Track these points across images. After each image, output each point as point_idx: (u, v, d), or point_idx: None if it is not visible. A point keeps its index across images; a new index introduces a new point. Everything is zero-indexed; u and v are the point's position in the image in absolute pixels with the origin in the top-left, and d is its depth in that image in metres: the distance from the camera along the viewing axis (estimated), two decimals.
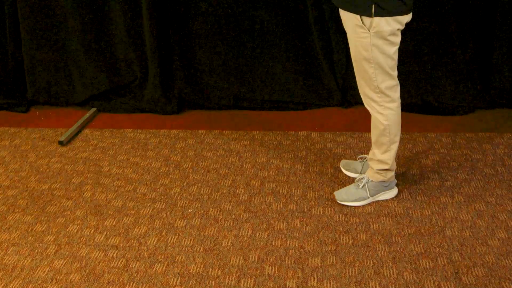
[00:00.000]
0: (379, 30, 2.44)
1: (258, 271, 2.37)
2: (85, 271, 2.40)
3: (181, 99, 3.88)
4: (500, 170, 3.01)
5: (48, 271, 2.41)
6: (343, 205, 2.76)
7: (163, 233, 2.62)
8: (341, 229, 2.61)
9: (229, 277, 2.34)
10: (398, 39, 2.52)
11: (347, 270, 2.35)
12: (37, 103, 3.97)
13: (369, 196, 2.76)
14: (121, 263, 2.44)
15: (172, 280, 2.34)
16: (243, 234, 2.60)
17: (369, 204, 2.76)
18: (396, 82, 2.60)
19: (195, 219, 2.71)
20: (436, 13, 3.57)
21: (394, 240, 2.52)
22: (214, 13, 3.68)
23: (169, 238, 2.58)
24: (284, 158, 3.20)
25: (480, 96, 3.70)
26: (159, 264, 2.43)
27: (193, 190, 2.94)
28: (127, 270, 2.40)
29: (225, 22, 3.70)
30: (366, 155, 3.00)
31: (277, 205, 2.79)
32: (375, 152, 2.74)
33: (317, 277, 2.32)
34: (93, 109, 3.85)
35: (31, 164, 3.24)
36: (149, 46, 3.74)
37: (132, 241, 2.57)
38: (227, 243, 2.54)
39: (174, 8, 3.71)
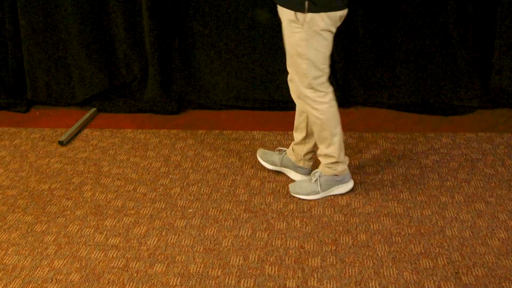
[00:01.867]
0: (312, 25, 2.46)
1: (258, 271, 2.37)
2: (85, 271, 2.40)
3: (181, 99, 3.88)
4: (500, 170, 3.01)
5: (48, 271, 2.41)
6: (300, 199, 2.82)
7: (163, 233, 2.62)
8: (341, 229, 2.61)
9: (229, 277, 2.34)
10: (330, 35, 2.54)
11: (347, 270, 2.35)
12: (37, 103, 3.97)
13: (320, 190, 2.79)
14: (121, 263, 2.44)
15: (172, 280, 2.34)
16: (243, 234, 2.60)
17: (369, 204, 2.76)
18: (326, 78, 2.62)
19: (195, 219, 2.71)
20: (436, 13, 3.57)
21: (394, 240, 2.52)
22: (214, 13, 3.68)
23: (169, 238, 2.58)
24: None
25: (480, 96, 3.70)
26: (159, 264, 2.43)
27: (193, 190, 2.94)
28: (127, 270, 2.40)
29: (225, 22, 3.70)
30: (285, 148, 3.04)
31: (277, 205, 2.79)
32: (320, 147, 2.77)
33: (317, 277, 2.32)
34: (93, 109, 3.85)
35: (31, 164, 3.24)
36: (149, 46, 3.74)
37: (132, 241, 2.57)
38: (227, 243, 2.54)
39: (174, 8, 3.71)
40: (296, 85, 2.65)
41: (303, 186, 2.83)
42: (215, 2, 3.65)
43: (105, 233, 2.64)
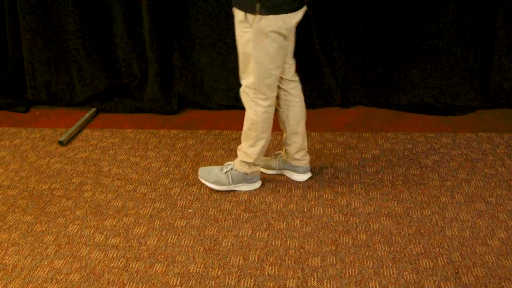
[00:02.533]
0: (261, 27, 2.49)
1: (258, 271, 2.37)
2: (85, 271, 2.40)
3: (181, 99, 3.88)
4: (500, 170, 3.01)
5: (48, 271, 2.41)
6: (202, 182, 2.90)
7: (163, 233, 2.62)
8: (341, 229, 2.61)
9: (229, 277, 2.34)
10: (281, 38, 2.55)
11: (347, 270, 2.35)
12: (37, 103, 3.97)
13: (229, 183, 2.85)
14: (121, 263, 2.44)
15: (172, 280, 2.34)
16: (243, 234, 2.60)
17: (369, 204, 2.76)
18: (274, 81, 2.65)
19: (195, 219, 2.71)
20: (436, 13, 3.57)
21: (394, 240, 2.52)
22: (214, 13, 3.68)
23: (169, 238, 2.58)
24: None
25: (480, 96, 3.70)
26: (159, 264, 2.43)
27: (193, 190, 2.94)
28: (127, 270, 2.40)
29: (225, 22, 3.70)
30: (280, 152, 3.05)
31: (277, 205, 2.79)
32: (243, 144, 2.82)
33: (317, 277, 2.32)
34: (93, 109, 3.85)
35: (31, 164, 3.24)
36: (149, 46, 3.74)
37: (132, 241, 2.57)
38: (227, 243, 2.54)
39: (174, 8, 3.71)
40: (243, 80, 2.68)
41: (212, 174, 2.88)
42: (215, 2, 3.65)
43: (105, 233, 2.64)
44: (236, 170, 2.84)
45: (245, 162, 2.81)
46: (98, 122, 3.75)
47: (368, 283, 2.28)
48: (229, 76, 3.81)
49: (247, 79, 2.65)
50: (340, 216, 2.69)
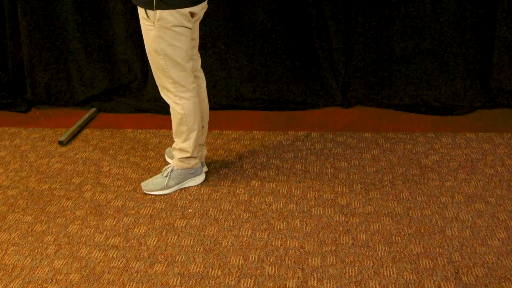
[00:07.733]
0: (163, 22, 2.51)
1: (258, 271, 2.37)
2: (85, 271, 2.41)
3: None
4: (500, 170, 3.01)
5: (48, 271, 2.41)
6: (150, 194, 2.89)
7: (163, 233, 2.62)
8: (341, 229, 2.61)
9: (229, 277, 2.34)
10: (186, 30, 2.58)
11: (347, 270, 2.35)
12: (37, 103, 3.97)
13: (174, 184, 2.89)
14: (121, 263, 2.44)
15: (172, 280, 2.34)
16: (243, 234, 2.60)
17: (369, 204, 2.76)
18: (188, 73, 2.68)
19: (195, 219, 2.71)
20: (436, 13, 3.58)
21: (394, 240, 2.52)
22: (214, 13, 3.68)
23: (169, 238, 2.59)
24: (284, 158, 3.20)
25: (480, 96, 3.70)
26: (159, 264, 2.43)
27: (193, 190, 2.94)
28: (127, 270, 2.40)
29: (225, 22, 3.70)
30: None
31: (277, 205, 2.79)
32: (176, 142, 2.85)
33: (317, 277, 2.32)
34: (93, 109, 3.85)
35: (31, 164, 3.24)
36: None
37: (132, 241, 2.57)
38: (227, 243, 2.54)
39: None
40: (159, 79, 2.70)
41: (155, 183, 2.90)
42: (215, 2, 3.65)
43: (105, 233, 2.64)
44: (177, 169, 2.88)
45: (183, 158, 2.84)
46: (98, 122, 3.75)
47: (368, 283, 2.29)
48: (228, 76, 3.81)
49: (163, 76, 2.66)
50: (340, 216, 2.69)
